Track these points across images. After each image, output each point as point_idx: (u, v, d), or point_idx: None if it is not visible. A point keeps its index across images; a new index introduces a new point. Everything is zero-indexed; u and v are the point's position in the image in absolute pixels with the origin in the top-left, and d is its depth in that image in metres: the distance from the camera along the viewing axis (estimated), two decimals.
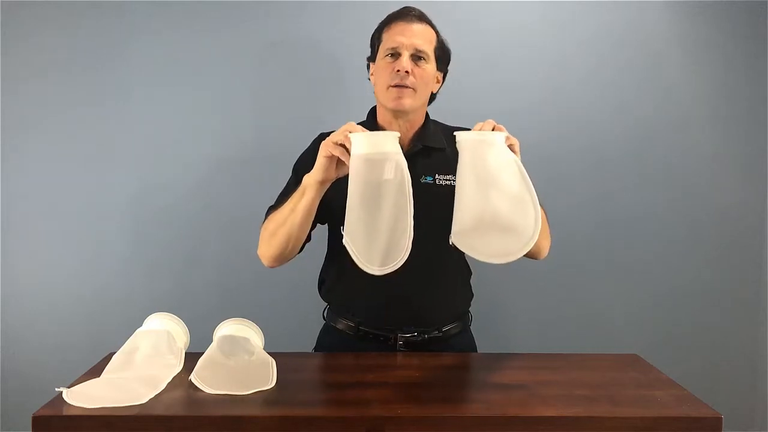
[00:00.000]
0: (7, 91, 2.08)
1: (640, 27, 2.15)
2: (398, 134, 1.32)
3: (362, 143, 1.30)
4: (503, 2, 2.13)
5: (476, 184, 1.30)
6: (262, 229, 1.54)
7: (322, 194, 1.41)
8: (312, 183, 1.39)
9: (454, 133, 1.35)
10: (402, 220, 1.28)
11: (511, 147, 1.34)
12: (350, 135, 1.31)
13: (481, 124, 1.35)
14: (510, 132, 1.35)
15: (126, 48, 2.09)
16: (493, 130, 1.34)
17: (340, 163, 1.35)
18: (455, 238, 1.33)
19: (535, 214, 1.28)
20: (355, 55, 1.72)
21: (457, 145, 1.34)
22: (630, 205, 2.19)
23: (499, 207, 1.28)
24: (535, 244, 1.36)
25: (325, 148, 1.35)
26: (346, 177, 1.32)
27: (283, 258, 1.52)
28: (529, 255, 1.49)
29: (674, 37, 2.16)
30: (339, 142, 1.32)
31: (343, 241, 1.31)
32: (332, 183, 1.41)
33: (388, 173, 1.28)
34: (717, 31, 2.16)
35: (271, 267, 1.54)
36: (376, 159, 1.28)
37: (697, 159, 2.19)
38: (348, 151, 1.31)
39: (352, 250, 1.30)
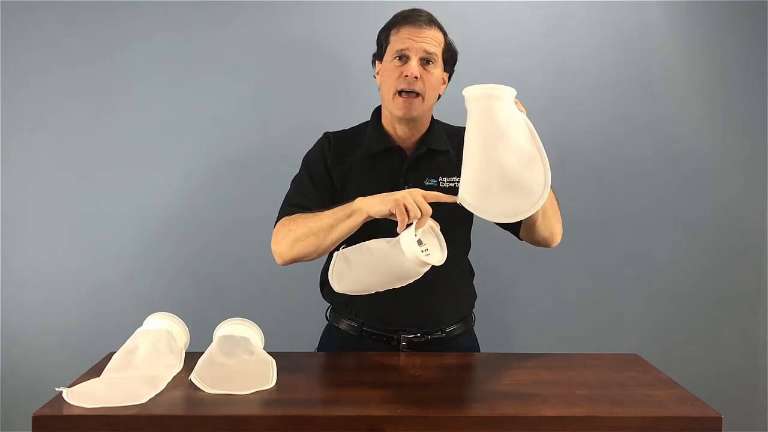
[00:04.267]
0: (7, 90, 2.07)
1: (640, 26, 2.14)
2: (444, 260, 1.30)
3: (412, 244, 1.25)
4: (503, 1, 2.13)
5: (483, 138, 1.26)
6: (285, 228, 1.48)
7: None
8: (364, 212, 1.35)
9: (463, 91, 1.29)
10: (376, 286, 1.36)
11: None
12: (406, 232, 1.26)
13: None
14: None
15: (128, 48, 2.09)
16: None
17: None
18: (462, 198, 1.29)
19: (545, 173, 1.24)
20: (359, 56, 1.72)
21: (465, 102, 1.29)
22: (629, 205, 2.19)
23: (507, 163, 1.24)
24: (548, 228, 1.32)
25: (396, 204, 1.28)
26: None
27: (298, 261, 1.48)
28: (542, 242, 1.49)
29: (674, 37, 2.16)
30: (410, 210, 1.26)
31: (336, 252, 1.38)
32: (358, 192, 1.39)
33: (408, 274, 1.30)
34: (717, 31, 2.16)
35: (283, 265, 1.50)
36: (412, 258, 1.24)
37: (697, 159, 2.19)
38: (406, 221, 1.27)
39: (334, 265, 1.37)
